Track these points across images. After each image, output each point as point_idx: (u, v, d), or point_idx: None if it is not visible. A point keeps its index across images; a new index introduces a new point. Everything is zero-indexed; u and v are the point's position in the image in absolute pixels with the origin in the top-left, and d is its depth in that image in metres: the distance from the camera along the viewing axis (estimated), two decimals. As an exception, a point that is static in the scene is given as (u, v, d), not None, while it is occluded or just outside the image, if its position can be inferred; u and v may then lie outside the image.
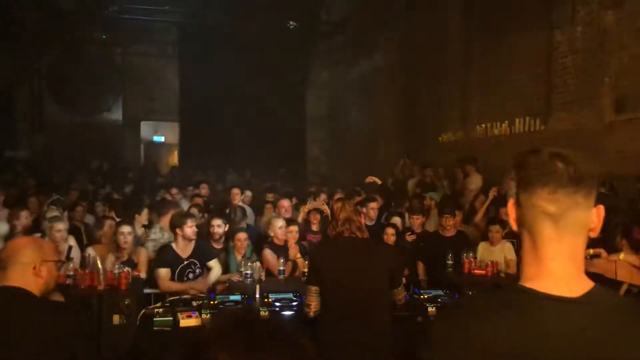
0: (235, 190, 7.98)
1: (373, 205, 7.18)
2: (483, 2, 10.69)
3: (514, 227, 1.37)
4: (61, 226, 5.42)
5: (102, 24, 15.76)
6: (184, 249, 5.34)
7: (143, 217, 6.68)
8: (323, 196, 8.86)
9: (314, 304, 3.30)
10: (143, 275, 5.39)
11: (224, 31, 15.36)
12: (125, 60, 17.47)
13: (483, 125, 10.57)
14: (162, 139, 18.56)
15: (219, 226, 5.83)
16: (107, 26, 16.09)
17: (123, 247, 5.43)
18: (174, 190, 8.85)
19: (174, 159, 18.58)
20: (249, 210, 7.71)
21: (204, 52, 15.94)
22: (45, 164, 15.33)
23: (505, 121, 9.86)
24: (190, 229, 5.29)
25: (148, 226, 6.56)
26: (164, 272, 5.20)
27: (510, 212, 1.37)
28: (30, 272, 2.35)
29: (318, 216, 7.17)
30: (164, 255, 5.32)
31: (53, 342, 2.25)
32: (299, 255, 5.87)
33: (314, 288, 3.29)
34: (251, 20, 14.60)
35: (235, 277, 5.56)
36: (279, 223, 5.93)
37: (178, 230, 5.31)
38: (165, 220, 6.01)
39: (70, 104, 17.46)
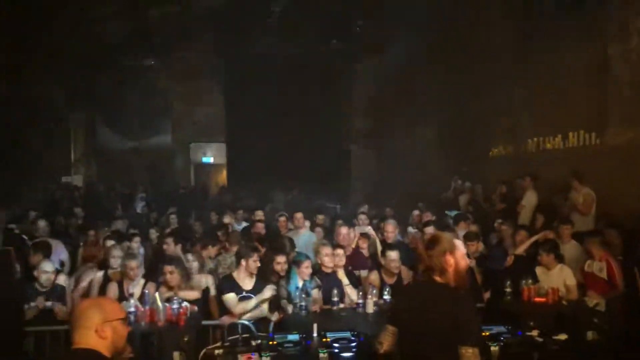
0: (299, 215, 7.97)
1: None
2: (534, 11, 10.43)
3: None
4: (134, 264, 5.54)
5: (147, 50, 16.26)
6: (244, 281, 5.41)
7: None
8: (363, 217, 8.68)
9: (386, 344, 3.25)
10: None
11: (269, 53, 15.57)
12: (172, 84, 17.91)
13: (535, 139, 10.29)
14: (211, 159, 18.89)
15: (280, 264, 5.74)
16: (155, 53, 16.60)
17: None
18: (227, 219, 8.87)
19: (223, 178, 18.88)
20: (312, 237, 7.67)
21: (248, 73, 16.20)
22: (99, 190, 15.81)
23: (558, 135, 9.57)
24: (254, 263, 5.43)
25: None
26: (232, 297, 5.29)
27: None
28: (93, 335, 2.39)
29: (367, 241, 7.11)
30: (227, 284, 5.44)
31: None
32: (346, 281, 5.81)
33: (391, 328, 3.23)
34: (295, 40, 14.75)
35: (289, 309, 5.48)
36: (326, 250, 5.89)
37: (243, 262, 5.40)
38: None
39: (121, 130, 18.03)
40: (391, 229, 7.06)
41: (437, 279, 3.05)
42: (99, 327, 2.40)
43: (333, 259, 5.84)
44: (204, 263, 6.55)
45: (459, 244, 3.16)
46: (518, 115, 10.94)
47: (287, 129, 16.91)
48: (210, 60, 17.41)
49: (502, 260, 6.10)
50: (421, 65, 14.36)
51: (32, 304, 5.23)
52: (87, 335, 2.40)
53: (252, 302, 5.26)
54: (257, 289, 5.42)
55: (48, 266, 5.49)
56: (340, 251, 5.99)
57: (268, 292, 5.28)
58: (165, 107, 18.18)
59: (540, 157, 10.04)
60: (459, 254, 3.08)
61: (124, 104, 17.71)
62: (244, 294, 5.37)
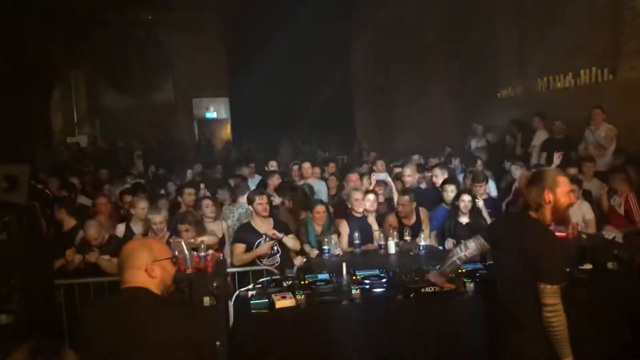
0: (306, 165, 8.05)
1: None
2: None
3: None
4: (158, 218, 5.56)
5: (146, 4, 15.87)
6: (261, 225, 5.47)
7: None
8: (380, 163, 8.77)
9: (470, 251, 3.46)
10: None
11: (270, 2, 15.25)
12: (172, 39, 17.61)
13: (545, 78, 10.17)
14: (215, 114, 18.77)
15: (319, 212, 5.96)
16: (152, 6, 16.21)
17: None
18: (246, 171, 8.85)
19: (227, 134, 18.82)
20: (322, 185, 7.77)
21: (250, 25, 15.91)
22: (105, 148, 15.77)
23: (569, 73, 9.46)
24: (260, 205, 5.51)
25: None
26: (239, 248, 5.45)
27: None
28: (143, 275, 2.46)
29: (382, 187, 7.17)
30: (242, 233, 5.58)
31: (178, 339, 2.34)
32: (375, 227, 5.88)
33: (482, 241, 3.38)
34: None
35: (313, 253, 5.63)
36: (356, 195, 5.96)
37: (251, 207, 5.58)
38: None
39: (123, 87, 17.82)
40: (409, 173, 7.10)
41: (532, 214, 3.04)
42: (148, 266, 2.45)
43: (363, 204, 5.92)
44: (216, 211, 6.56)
45: (564, 181, 3.06)
46: (527, 54, 10.78)
47: (291, 81, 16.74)
48: (211, 14, 17.07)
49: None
50: (424, 11, 14.08)
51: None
52: (137, 275, 2.46)
53: (251, 254, 5.42)
54: (275, 229, 5.55)
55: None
56: (371, 196, 6.06)
57: (265, 247, 5.43)
58: (167, 62, 17.93)
59: (551, 97, 9.94)
60: (561, 191, 3.00)
61: (125, 61, 17.44)
62: (264, 237, 5.46)
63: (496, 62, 11.78)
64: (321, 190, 7.83)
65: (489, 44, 11.88)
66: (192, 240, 5.41)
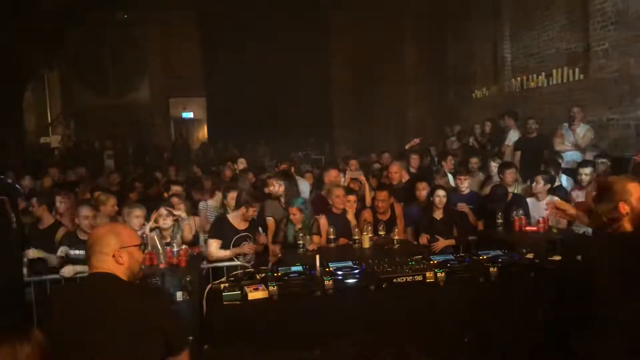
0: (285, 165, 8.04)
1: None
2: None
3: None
4: (139, 212, 5.48)
5: (121, 3, 15.74)
6: (240, 222, 5.45)
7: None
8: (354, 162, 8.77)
9: None
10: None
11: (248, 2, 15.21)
12: (148, 39, 17.47)
13: (519, 78, 10.33)
14: (191, 115, 18.64)
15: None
16: (127, 6, 16.08)
17: None
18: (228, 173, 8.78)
19: (204, 134, 18.71)
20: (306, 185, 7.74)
21: (227, 25, 15.86)
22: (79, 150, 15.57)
23: (542, 73, 9.62)
24: (254, 212, 5.50)
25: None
26: (214, 243, 5.37)
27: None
28: (111, 261, 2.43)
29: (358, 185, 7.20)
30: (219, 227, 5.47)
31: (144, 324, 2.32)
32: (354, 223, 5.90)
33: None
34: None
35: (247, 248, 5.55)
36: (337, 192, 5.98)
37: (243, 208, 5.41)
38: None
39: (98, 87, 17.62)
40: (395, 170, 7.15)
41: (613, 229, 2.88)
42: (116, 253, 2.43)
43: (343, 201, 5.95)
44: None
45: (634, 187, 2.85)
46: (500, 54, 10.94)
47: (267, 81, 16.72)
48: (188, 14, 16.97)
49: (504, 200, 6.21)
50: (402, 11, 14.20)
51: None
52: (104, 260, 2.43)
53: (228, 252, 5.35)
54: (251, 230, 5.52)
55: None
56: (352, 197, 6.11)
57: (246, 247, 5.39)
58: (143, 62, 17.76)
59: (524, 97, 10.10)
60: (635, 198, 2.81)
61: (100, 61, 17.25)
62: (240, 234, 5.43)
63: (472, 62, 11.93)
64: (305, 190, 7.79)
65: (465, 44, 12.03)
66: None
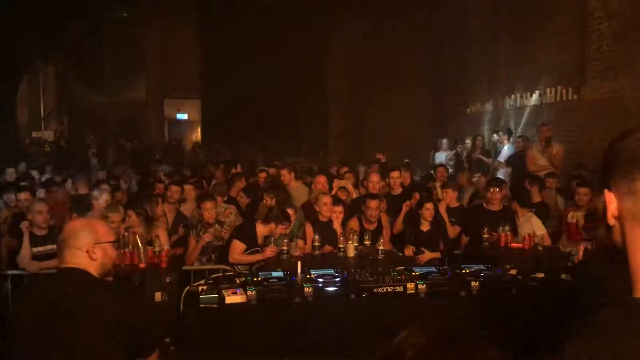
0: (284, 171, 7.90)
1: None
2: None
3: (611, 221, 1.13)
4: (117, 217, 5.30)
5: (122, 1, 15.72)
6: (262, 235, 5.43)
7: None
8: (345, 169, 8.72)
9: None
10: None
11: (245, 4, 15.23)
12: (146, 38, 17.44)
13: (512, 95, 10.36)
14: (186, 116, 18.62)
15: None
16: (127, 4, 16.05)
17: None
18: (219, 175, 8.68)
19: (198, 136, 18.67)
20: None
21: (227, 28, 15.85)
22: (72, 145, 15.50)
23: (535, 91, 9.65)
24: (283, 231, 5.43)
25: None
26: (238, 246, 5.28)
27: (610, 203, 1.12)
28: (84, 256, 2.38)
29: (345, 193, 7.17)
30: (247, 232, 5.40)
31: (111, 321, 2.28)
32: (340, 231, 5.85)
33: None
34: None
35: (269, 251, 5.50)
36: (324, 199, 5.94)
37: (272, 225, 5.35)
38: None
39: (94, 84, 17.56)
40: (376, 180, 7.10)
41: None
42: (90, 248, 2.39)
43: (330, 209, 5.90)
44: None
45: None
46: (496, 72, 10.98)
47: (264, 86, 16.69)
48: (189, 15, 16.96)
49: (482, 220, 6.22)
50: (401, 24, 14.24)
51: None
52: (77, 255, 2.39)
53: (252, 257, 5.32)
54: (263, 246, 5.46)
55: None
56: (338, 208, 6.03)
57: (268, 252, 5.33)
58: (139, 61, 17.72)
59: (518, 114, 10.13)
60: None
61: (97, 58, 17.20)
62: (256, 248, 5.39)
63: (467, 79, 11.96)
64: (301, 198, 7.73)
65: (460, 60, 12.07)
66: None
